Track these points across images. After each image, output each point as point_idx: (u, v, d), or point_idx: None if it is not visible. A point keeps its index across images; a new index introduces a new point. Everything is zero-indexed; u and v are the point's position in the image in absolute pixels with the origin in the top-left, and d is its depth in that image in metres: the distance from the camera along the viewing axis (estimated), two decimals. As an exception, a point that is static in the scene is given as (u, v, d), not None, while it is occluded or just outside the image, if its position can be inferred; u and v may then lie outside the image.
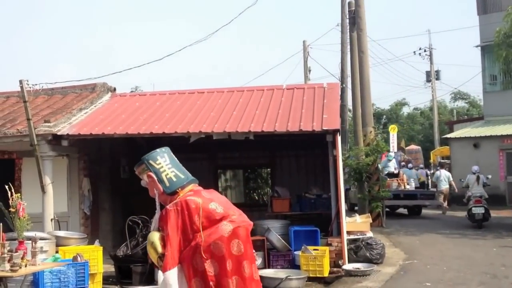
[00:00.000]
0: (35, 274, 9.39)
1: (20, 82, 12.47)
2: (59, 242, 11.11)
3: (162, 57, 32.65)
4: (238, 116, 13.21)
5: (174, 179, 5.17)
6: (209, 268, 4.86)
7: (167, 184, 5.15)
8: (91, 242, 12.97)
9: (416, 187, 25.97)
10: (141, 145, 15.61)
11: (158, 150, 5.35)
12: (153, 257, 5.05)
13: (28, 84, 12.68)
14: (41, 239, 10.60)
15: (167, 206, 4.97)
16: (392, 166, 25.54)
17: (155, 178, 5.15)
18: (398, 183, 24.46)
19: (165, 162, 5.22)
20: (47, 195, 12.77)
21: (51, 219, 12.69)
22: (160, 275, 4.97)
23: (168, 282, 4.82)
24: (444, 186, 24.73)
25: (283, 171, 17.46)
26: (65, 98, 15.48)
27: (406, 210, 25.24)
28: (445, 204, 24.86)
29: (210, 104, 14.32)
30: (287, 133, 12.26)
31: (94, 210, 14.65)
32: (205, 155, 17.17)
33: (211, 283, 4.85)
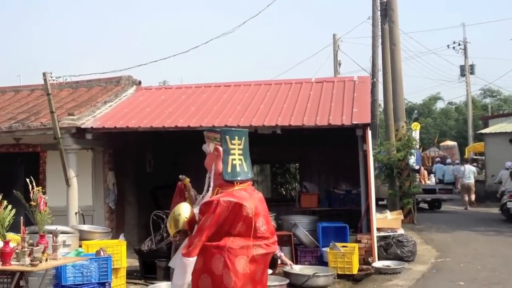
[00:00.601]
0: (57, 268, 9.24)
1: (44, 74, 12.34)
2: (83, 236, 10.95)
3: (188, 50, 32.69)
4: (265, 109, 12.96)
5: (238, 169, 4.92)
6: (226, 277, 4.69)
7: (229, 170, 4.91)
8: (115, 237, 12.81)
9: (437, 182, 26.36)
10: (167, 139, 15.45)
11: (241, 130, 5.12)
12: (173, 227, 4.91)
13: (51, 77, 12.53)
14: (64, 233, 10.49)
15: (221, 199, 4.76)
16: (413, 162, 25.52)
17: (222, 156, 4.88)
18: (419, 178, 24.54)
19: (239, 146, 4.96)
20: (71, 189, 12.64)
21: (76, 213, 12.58)
22: (180, 255, 4.83)
23: (188, 268, 4.71)
24: (468, 181, 24.98)
25: (312, 166, 17.15)
26: (90, 91, 15.36)
27: (426, 204, 25.59)
28: (473, 199, 25.01)
29: (237, 98, 14.09)
30: (315, 127, 11.97)
31: (119, 204, 14.48)
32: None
33: None
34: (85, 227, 11.72)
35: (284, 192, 19.53)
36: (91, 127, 12.61)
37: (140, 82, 16.14)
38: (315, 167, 17.08)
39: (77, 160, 12.85)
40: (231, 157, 4.94)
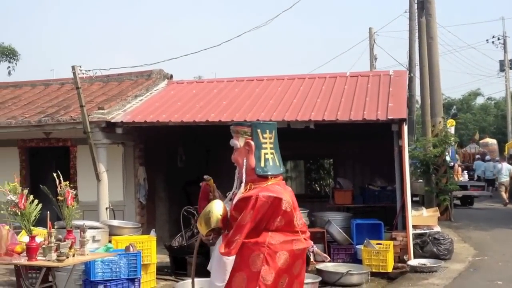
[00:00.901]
0: (86, 263, 9.13)
1: (73, 68, 12.21)
2: (113, 232, 10.84)
3: (220, 43, 32.59)
4: (298, 104, 12.72)
5: (271, 163, 4.74)
6: (265, 274, 4.53)
7: (262, 164, 4.74)
8: (146, 232, 12.68)
9: (477, 179, 26.52)
10: (199, 134, 15.27)
11: (271, 123, 4.94)
12: (205, 226, 4.73)
13: (81, 70, 12.39)
14: (94, 228, 10.37)
15: (260, 194, 4.57)
16: (448, 159, 25.24)
17: (253, 150, 4.70)
18: (453, 175, 24.06)
19: (270, 140, 4.79)
20: (102, 184, 12.52)
21: (106, 208, 12.46)
22: (216, 255, 4.70)
23: (228, 267, 4.60)
24: (504, 179, 24.84)
25: (347, 162, 16.89)
26: (120, 85, 15.27)
27: (459, 201, 25.28)
28: (506, 196, 24.73)
29: (269, 92, 13.87)
30: (349, 122, 11.72)
31: (150, 200, 14.35)
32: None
33: None
34: (115, 222, 11.59)
35: (318, 189, 19.31)
36: (121, 121, 12.47)
37: (171, 76, 16.01)
38: (349, 163, 16.82)
39: (107, 154, 12.73)
40: (263, 151, 4.77)
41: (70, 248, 7.33)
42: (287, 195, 4.74)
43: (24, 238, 7.87)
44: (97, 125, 12.35)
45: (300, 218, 4.82)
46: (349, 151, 16.68)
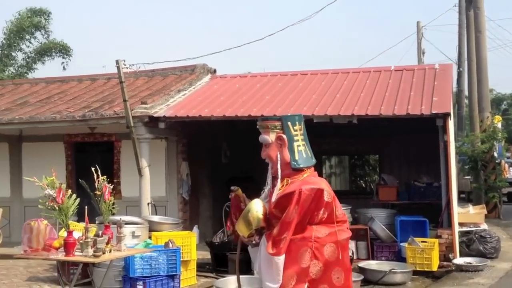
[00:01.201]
0: (126, 260, 9.12)
1: (117, 62, 12.25)
2: (153, 227, 10.80)
3: (264, 37, 32.56)
4: (342, 99, 12.54)
5: (304, 155, 4.63)
6: (313, 268, 4.44)
7: (297, 157, 4.64)
8: (190, 228, 12.66)
9: None
10: (243, 130, 15.17)
11: (299, 115, 4.84)
12: (246, 228, 4.62)
13: (125, 65, 12.41)
14: (133, 223, 10.36)
15: (302, 188, 4.47)
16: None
17: (287, 144, 4.59)
18: (501, 172, 23.59)
19: (300, 132, 4.70)
20: (144, 179, 12.52)
21: (148, 203, 12.43)
22: (265, 257, 4.54)
23: (279, 267, 4.45)
24: None
25: (392, 157, 16.63)
26: (165, 80, 15.29)
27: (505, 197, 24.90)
28: None
29: (313, 86, 13.72)
30: (393, 117, 11.51)
31: (193, 195, 14.31)
32: (308, 139, 16.37)
33: (306, 284, 4.43)
34: (156, 218, 11.56)
35: (363, 185, 19.08)
36: (164, 116, 12.46)
37: (215, 71, 15.97)
38: (395, 158, 16.57)
39: (150, 149, 12.72)
40: (295, 143, 4.67)
41: (107, 243, 7.28)
42: (326, 186, 4.66)
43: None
44: (140, 120, 12.35)
45: (340, 207, 4.73)
46: (395, 147, 16.44)
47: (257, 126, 4.87)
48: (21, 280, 10.70)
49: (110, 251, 7.26)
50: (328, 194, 4.57)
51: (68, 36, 75.14)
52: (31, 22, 29.33)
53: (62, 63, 30.59)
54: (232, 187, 5.46)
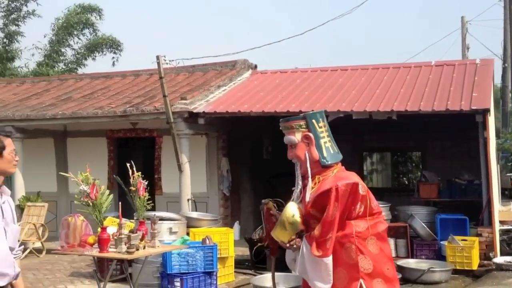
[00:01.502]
0: (163, 256, 9.14)
1: (157, 57, 12.34)
2: (191, 223, 10.81)
3: (303, 32, 32.34)
4: (381, 94, 12.40)
5: (331, 151, 4.57)
6: (362, 263, 4.35)
7: (325, 154, 4.55)
8: (231, 224, 12.65)
9: None
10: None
11: (320, 111, 4.76)
12: (288, 233, 4.50)
13: (165, 60, 12.47)
14: (171, 220, 10.38)
15: (338, 184, 4.37)
16: None
17: (314, 142, 4.54)
18: None
19: (325, 128, 4.62)
20: (184, 175, 12.57)
21: (188, 200, 12.47)
22: (312, 260, 4.41)
23: (328, 268, 4.34)
24: None
25: (435, 154, 16.35)
26: (205, 75, 15.31)
27: None
28: None
29: (353, 82, 13.60)
30: (432, 113, 11.35)
31: (234, 192, 14.31)
32: (350, 136, 16.25)
33: (361, 280, 4.32)
34: (194, 214, 11.59)
35: (406, 182, 18.83)
36: (203, 112, 12.49)
37: (256, 66, 15.92)
38: (438, 155, 16.28)
39: (190, 145, 12.76)
40: (322, 140, 4.59)
41: (141, 240, 7.31)
42: (358, 179, 4.55)
43: (108, 229, 7.90)
44: (179, 116, 12.40)
45: (373, 199, 4.61)
46: (438, 143, 16.17)
47: (280, 128, 4.80)
48: (64, 275, 10.88)
49: (144, 248, 7.28)
50: (363, 187, 4.47)
51: (117, 31, 75.66)
52: (79, 18, 29.63)
53: (113, 58, 30.91)
54: (263, 200, 5.41)
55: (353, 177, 4.52)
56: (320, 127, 4.60)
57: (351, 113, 11.59)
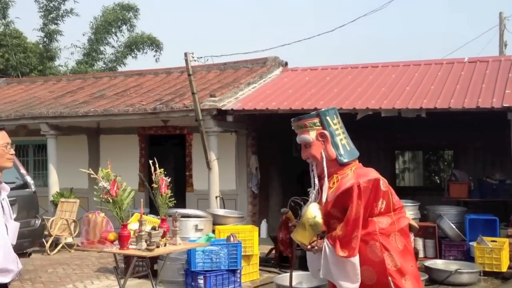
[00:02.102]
0: (188, 253, 9.14)
1: (185, 55, 12.38)
2: (217, 221, 10.78)
3: (334, 29, 31.96)
4: (411, 91, 12.24)
5: (348, 148, 4.46)
6: (389, 260, 4.27)
7: (342, 152, 4.43)
8: (258, 222, 12.62)
9: None
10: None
11: (333, 108, 4.64)
12: (310, 232, 4.39)
13: (193, 57, 12.50)
14: (197, 217, 10.39)
15: (360, 181, 4.27)
16: None
17: (330, 140, 4.43)
18: None
19: (340, 125, 4.49)
20: (212, 172, 12.60)
21: (216, 197, 12.48)
22: (335, 258, 4.32)
23: (356, 267, 4.25)
24: None
25: (467, 153, 16.02)
26: (236, 73, 15.32)
27: None
28: None
29: (383, 79, 13.47)
30: (463, 110, 11.14)
31: (263, 189, 14.29)
32: (382, 134, 16.02)
33: (389, 278, 4.25)
34: (221, 212, 11.58)
35: (438, 181, 18.53)
36: (231, 109, 12.48)
37: (286, 63, 15.87)
38: (471, 154, 15.97)
39: (220, 143, 12.79)
40: (338, 138, 4.45)
41: (163, 237, 7.31)
42: (379, 175, 4.44)
43: (132, 225, 7.92)
44: (208, 113, 12.42)
45: (394, 194, 4.51)
46: (470, 141, 15.87)
47: (293, 127, 4.68)
48: (91, 270, 11.00)
49: (165, 245, 7.28)
50: (384, 183, 4.37)
51: (155, 29, 75.78)
52: (116, 16, 29.93)
53: (154, 56, 31.21)
54: (282, 210, 5.36)
55: (373, 173, 4.41)
56: (335, 124, 4.47)
57: (379, 110, 11.45)
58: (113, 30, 30.54)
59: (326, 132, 4.44)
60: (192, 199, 14.13)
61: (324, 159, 4.44)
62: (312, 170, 4.59)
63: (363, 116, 11.73)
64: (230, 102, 12.80)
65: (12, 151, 3.99)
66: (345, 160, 4.43)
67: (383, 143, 16.55)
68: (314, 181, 4.58)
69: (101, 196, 7.34)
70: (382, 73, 13.99)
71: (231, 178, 13.81)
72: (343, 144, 4.46)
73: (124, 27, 30.76)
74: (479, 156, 15.74)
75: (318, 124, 4.45)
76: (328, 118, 4.46)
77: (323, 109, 4.53)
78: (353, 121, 11.57)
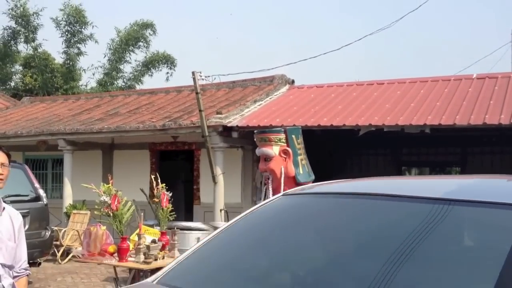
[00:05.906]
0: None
1: (193, 73, 12.62)
2: (218, 234, 10.94)
3: (340, 47, 31.78)
4: (416, 108, 12.32)
5: (307, 169, 4.58)
6: None
7: (301, 171, 4.55)
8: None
9: None
10: (318, 138, 15.19)
11: (298, 127, 4.73)
12: None
13: (200, 76, 12.77)
14: (199, 230, 10.58)
15: None
16: None
17: (292, 157, 4.52)
18: None
19: (302, 145, 4.61)
20: (218, 186, 12.84)
21: (220, 210, 12.70)
22: None
23: None
24: None
25: (474, 170, 15.98)
26: (244, 91, 15.55)
27: None
28: None
29: (388, 96, 13.58)
30: (468, 126, 11.17)
31: (267, 203, 14.43)
32: (388, 149, 16.15)
33: None
34: (221, 224, 11.75)
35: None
36: (237, 126, 12.70)
37: (293, 81, 16.04)
38: (478, 171, 15.90)
39: (227, 158, 13.02)
40: (299, 157, 4.60)
41: (161, 250, 7.50)
42: None
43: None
44: (214, 129, 12.67)
45: None
46: (478, 158, 15.87)
47: (255, 139, 4.79)
48: (99, 280, 11.23)
49: (163, 258, 7.47)
50: None
51: (168, 47, 76.02)
52: (136, 35, 30.30)
53: (167, 73, 31.49)
54: None
55: None
56: (299, 144, 4.58)
57: (382, 127, 11.56)
58: (130, 48, 30.86)
59: (289, 149, 4.53)
60: (199, 212, 14.41)
61: (283, 175, 4.52)
62: (268, 184, 4.67)
63: (368, 132, 11.82)
64: (235, 119, 13.04)
65: (3, 171, 3.84)
66: (302, 180, 4.50)
67: (390, 159, 16.61)
68: (269, 194, 4.66)
69: (101, 210, 7.58)
70: (388, 89, 14.10)
71: (236, 192, 14.04)
72: (303, 165, 4.56)
73: (140, 43, 31.05)
74: (486, 173, 15.69)
75: (283, 140, 4.55)
76: (293, 136, 4.57)
77: (290, 127, 4.65)
78: (361, 139, 11.73)
